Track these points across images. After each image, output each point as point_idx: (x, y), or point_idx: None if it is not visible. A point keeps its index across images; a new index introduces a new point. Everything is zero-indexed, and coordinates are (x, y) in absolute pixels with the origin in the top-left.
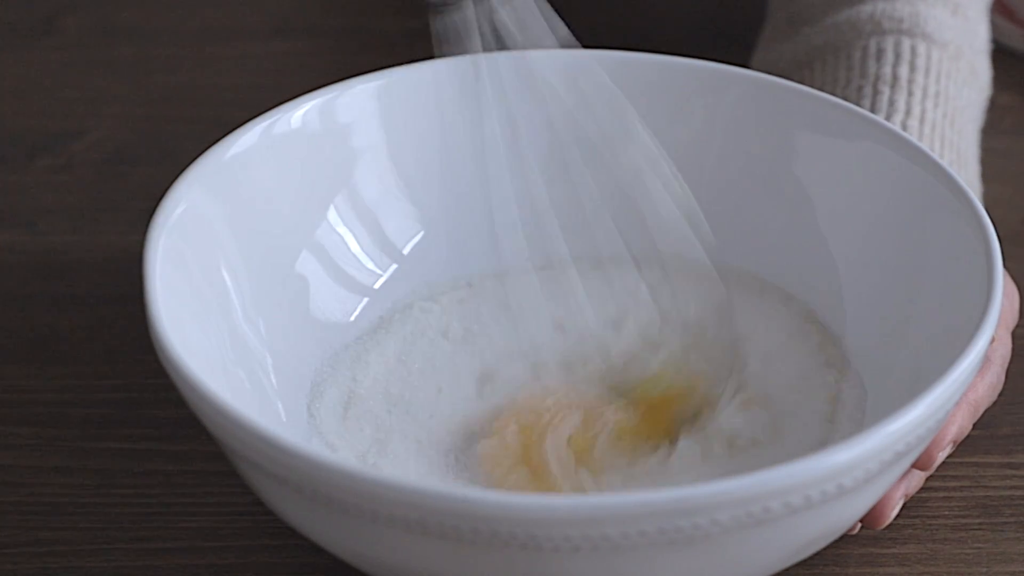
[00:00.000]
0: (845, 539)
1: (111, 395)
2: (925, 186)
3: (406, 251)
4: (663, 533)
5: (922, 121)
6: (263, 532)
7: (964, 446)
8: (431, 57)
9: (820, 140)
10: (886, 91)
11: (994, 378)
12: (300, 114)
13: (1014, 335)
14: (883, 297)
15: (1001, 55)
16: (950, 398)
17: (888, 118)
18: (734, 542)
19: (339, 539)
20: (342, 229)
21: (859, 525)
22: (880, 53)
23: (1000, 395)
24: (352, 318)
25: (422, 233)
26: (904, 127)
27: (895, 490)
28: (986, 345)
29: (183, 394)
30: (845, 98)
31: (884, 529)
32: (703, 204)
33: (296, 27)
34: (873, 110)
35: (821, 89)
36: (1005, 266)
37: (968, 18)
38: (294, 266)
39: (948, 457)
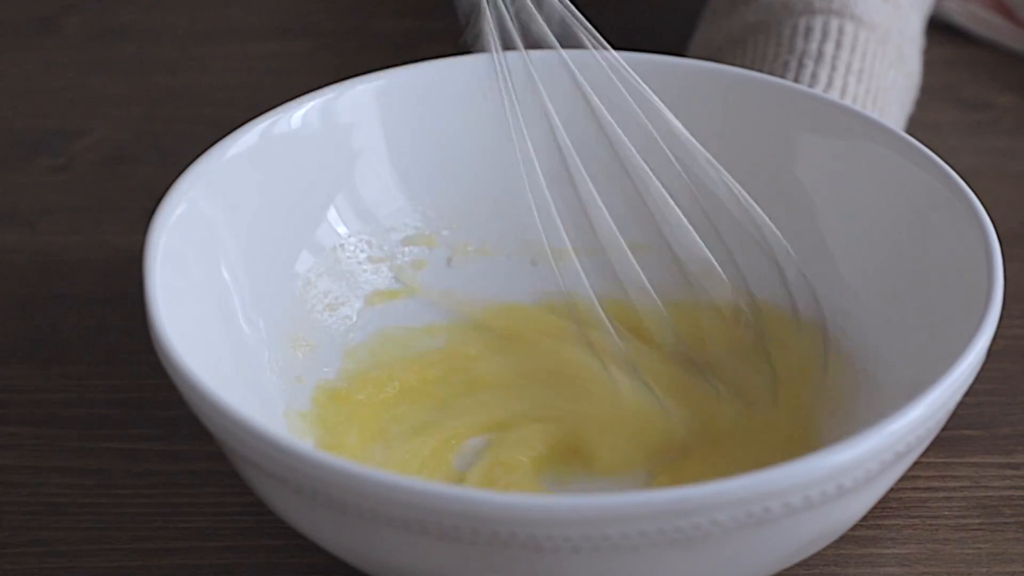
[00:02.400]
0: (845, 539)
1: (111, 395)
2: (925, 186)
3: (406, 251)
4: (663, 533)
5: (843, 93)
6: (263, 532)
7: (964, 446)
8: (431, 57)
9: (820, 140)
10: (810, 65)
11: None
12: (300, 114)
13: (1015, 335)
14: (883, 296)
15: (1001, 55)
16: (951, 398)
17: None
18: (734, 542)
19: (339, 539)
20: (342, 229)
21: None
22: (808, 31)
23: (1000, 395)
24: (352, 318)
25: (423, 234)
26: None
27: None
28: (986, 345)
29: (183, 394)
30: (771, 73)
31: (884, 529)
32: (702, 204)
33: (296, 27)
34: (796, 82)
35: (751, 67)
36: (1005, 266)
37: (899, 6)
38: (294, 266)
39: (948, 457)
